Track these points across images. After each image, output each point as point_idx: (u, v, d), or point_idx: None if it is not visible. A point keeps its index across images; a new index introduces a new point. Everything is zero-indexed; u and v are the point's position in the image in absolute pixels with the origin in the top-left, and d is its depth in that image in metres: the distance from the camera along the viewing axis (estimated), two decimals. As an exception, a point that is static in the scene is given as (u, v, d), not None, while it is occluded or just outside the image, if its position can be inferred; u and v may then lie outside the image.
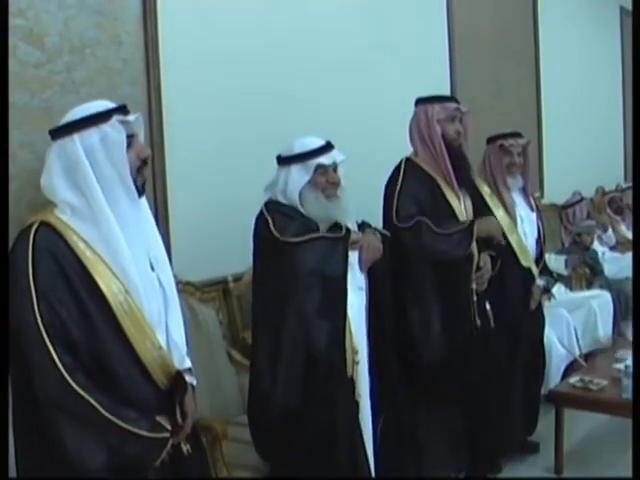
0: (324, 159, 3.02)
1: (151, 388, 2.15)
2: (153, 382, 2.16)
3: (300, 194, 3.00)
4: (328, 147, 3.05)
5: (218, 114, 3.89)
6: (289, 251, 2.88)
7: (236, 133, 3.96)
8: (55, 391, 1.98)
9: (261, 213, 3.03)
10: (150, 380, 2.15)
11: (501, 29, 6.56)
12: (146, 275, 2.17)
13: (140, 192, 2.19)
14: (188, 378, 2.26)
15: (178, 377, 2.21)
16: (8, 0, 2.83)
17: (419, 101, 3.76)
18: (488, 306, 3.77)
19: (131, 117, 2.17)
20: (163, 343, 2.20)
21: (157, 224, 2.83)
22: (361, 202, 3.53)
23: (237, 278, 3.74)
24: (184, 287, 3.64)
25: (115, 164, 2.10)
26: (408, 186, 3.63)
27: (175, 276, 2.38)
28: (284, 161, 3.05)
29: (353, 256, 3.03)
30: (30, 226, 2.12)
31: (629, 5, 9.00)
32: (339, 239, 2.95)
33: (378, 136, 4.80)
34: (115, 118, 2.12)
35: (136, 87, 3.51)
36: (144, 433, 2.05)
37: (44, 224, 2.10)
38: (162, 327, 2.21)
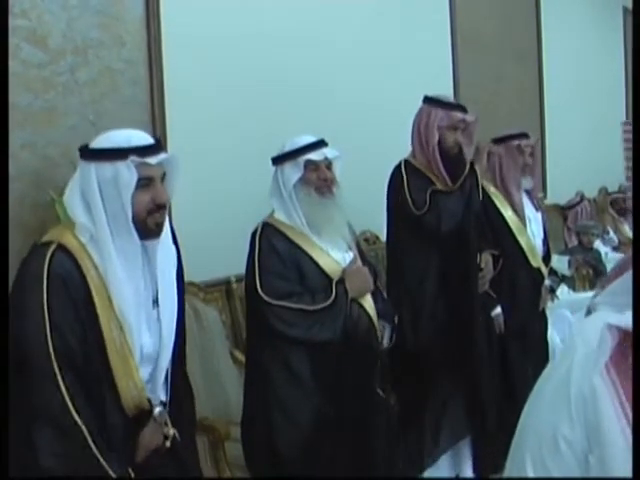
0: (314, 155, 3.00)
1: (122, 416, 2.15)
2: (124, 412, 2.16)
3: (294, 192, 2.99)
4: (319, 144, 3.03)
5: (221, 115, 3.89)
6: (270, 315, 2.88)
7: (239, 133, 3.97)
8: (53, 410, 2.00)
9: (253, 239, 3.01)
10: (122, 410, 2.15)
11: (504, 28, 6.56)
12: (145, 311, 2.17)
13: (151, 234, 2.17)
14: (156, 410, 2.22)
15: (144, 409, 2.20)
16: (8, 1, 2.83)
17: (426, 100, 3.73)
18: (499, 309, 3.80)
19: (152, 160, 2.12)
20: (147, 375, 2.21)
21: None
22: (361, 201, 3.55)
23: (240, 279, 3.73)
24: (187, 288, 3.63)
25: (121, 201, 2.09)
26: (409, 191, 3.61)
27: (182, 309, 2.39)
28: (277, 160, 3.05)
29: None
30: (47, 245, 2.11)
31: (626, 3, 9.01)
32: (326, 309, 2.91)
33: (380, 135, 4.80)
34: (131, 159, 2.09)
35: (139, 88, 3.51)
36: (110, 473, 2.04)
37: (61, 247, 2.09)
38: (151, 360, 2.22)
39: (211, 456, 3.05)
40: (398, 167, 3.70)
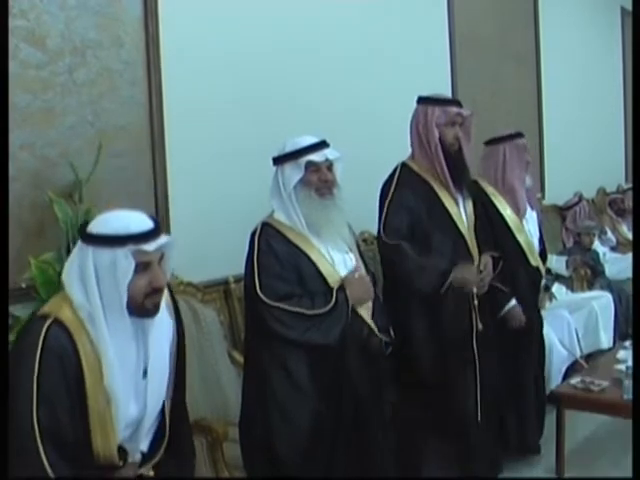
0: (315, 156, 2.99)
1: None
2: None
3: (294, 193, 2.99)
4: (320, 144, 3.03)
5: (219, 115, 3.89)
6: (268, 316, 2.89)
7: (237, 134, 3.97)
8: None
9: (252, 239, 3.01)
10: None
11: (502, 29, 6.56)
12: (133, 382, 2.22)
13: (147, 314, 2.21)
14: (132, 458, 2.28)
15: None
16: (8, 1, 2.85)
17: (420, 100, 3.71)
18: (513, 301, 3.80)
19: (150, 247, 2.15)
20: (129, 433, 2.26)
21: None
22: (361, 203, 3.54)
23: (238, 279, 3.74)
24: (185, 288, 3.64)
25: (118, 287, 2.13)
26: (400, 196, 3.59)
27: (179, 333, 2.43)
28: (277, 161, 3.04)
29: (352, 260, 3.06)
30: (45, 318, 2.14)
31: (631, 6, 9.01)
32: (324, 314, 2.91)
33: (378, 136, 4.80)
34: (129, 248, 2.12)
35: (137, 88, 3.51)
36: None
37: (58, 321, 2.12)
38: (135, 424, 2.26)
39: (209, 457, 3.05)
40: (393, 173, 3.69)
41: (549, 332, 4.63)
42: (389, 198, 3.60)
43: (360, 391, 2.96)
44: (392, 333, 3.16)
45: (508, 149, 4.14)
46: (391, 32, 5.10)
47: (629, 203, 7.66)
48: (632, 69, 2.00)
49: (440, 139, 3.61)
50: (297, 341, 2.86)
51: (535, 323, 4.14)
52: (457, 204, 3.67)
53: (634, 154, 1.62)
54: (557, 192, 7.04)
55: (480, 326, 3.62)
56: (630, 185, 8.60)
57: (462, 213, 3.69)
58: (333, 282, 2.97)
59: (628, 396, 3.78)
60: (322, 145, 3.03)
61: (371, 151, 4.64)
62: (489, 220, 3.96)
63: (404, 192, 3.60)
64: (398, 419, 3.19)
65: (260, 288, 2.87)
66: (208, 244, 3.77)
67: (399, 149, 3.78)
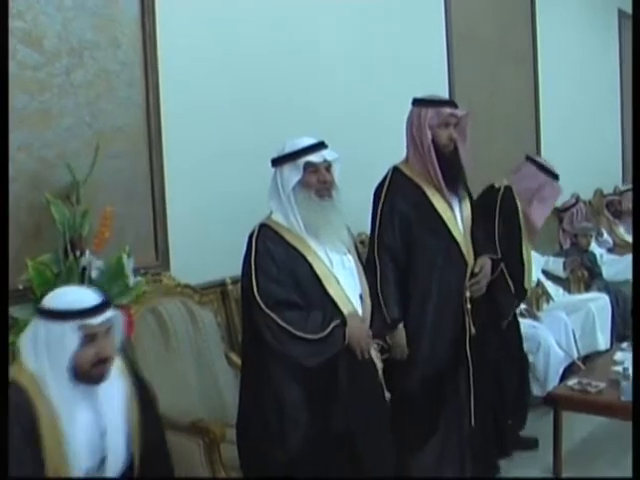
0: (313, 157, 2.98)
1: None
2: None
3: (292, 194, 2.98)
4: (318, 145, 3.01)
5: (216, 116, 3.89)
6: (261, 321, 2.88)
7: (234, 135, 3.97)
8: None
9: (250, 241, 3.01)
10: None
11: (500, 30, 6.56)
12: (88, 442, 2.35)
13: (94, 381, 2.34)
14: None
15: None
16: (8, 2, 2.85)
17: (415, 102, 3.70)
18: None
19: (96, 320, 2.31)
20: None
21: (154, 227, 2.87)
22: (359, 205, 3.54)
23: (235, 280, 3.74)
24: (183, 290, 3.64)
25: (65, 357, 2.30)
26: (392, 203, 3.59)
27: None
28: (276, 162, 3.04)
29: (350, 262, 3.05)
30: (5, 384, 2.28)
31: (628, 8, 9.02)
32: (314, 341, 2.89)
33: (376, 138, 4.80)
34: (75, 322, 2.28)
35: (134, 89, 3.51)
36: None
37: (15, 384, 2.28)
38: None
39: (206, 458, 3.05)
40: (384, 179, 3.68)
41: (546, 334, 4.64)
42: (380, 207, 3.60)
43: (355, 397, 2.96)
44: (387, 339, 3.17)
45: (547, 186, 4.24)
46: (389, 33, 5.10)
47: (627, 205, 7.67)
48: (632, 69, 2.02)
49: (433, 140, 3.58)
50: (284, 354, 2.86)
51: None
52: (451, 208, 3.64)
53: (634, 155, 1.64)
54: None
55: (473, 330, 3.62)
56: (627, 186, 8.60)
57: (456, 217, 3.65)
58: (328, 284, 2.96)
59: (625, 397, 3.78)
60: (320, 146, 3.02)
61: (369, 152, 4.64)
62: (511, 230, 4.04)
63: (395, 199, 3.59)
64: (392, 421, 3.20)
65: (257, 291, 2.87)
66: (205, 245, 3.76)
67: (397, 151, 3.78)
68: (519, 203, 4.16)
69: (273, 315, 2.83)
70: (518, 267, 4.07)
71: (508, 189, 4.18)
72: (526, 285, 4.13)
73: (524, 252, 4.10)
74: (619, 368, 4.03)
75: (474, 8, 6.17)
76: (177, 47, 3.67)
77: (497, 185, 4.25)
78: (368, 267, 3.38)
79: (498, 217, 4.10)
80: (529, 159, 4.35)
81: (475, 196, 3.95)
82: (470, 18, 6.09)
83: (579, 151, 7.83)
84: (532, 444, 4.28)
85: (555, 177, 4.27)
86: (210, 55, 3.86)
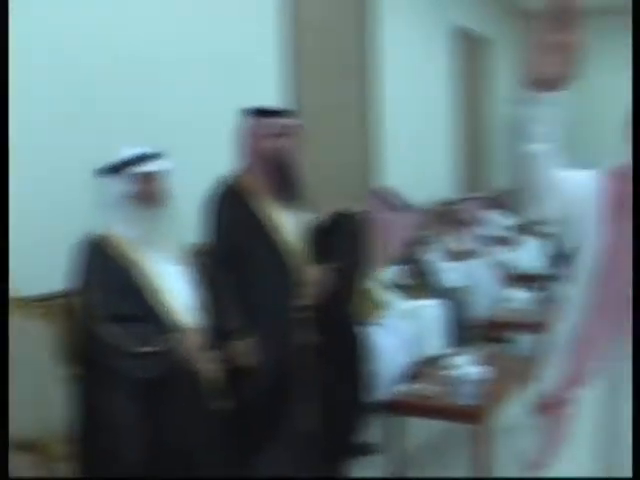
0: (143, 167, 2.93)
1: None
2: None
3: (122, 205, 2.91)
4: (149, 155, 2.96)
5: (52, 128, 3.75)
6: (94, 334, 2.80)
7: (72, 147, 3.82)
8: None
9: (81, 252, 2.91)
10: None
11: (341, 44, 6.66)
12: None
13: None
14: None
15: None
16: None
17: (246, 112, 3.69)
18: None
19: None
20: None
21: None
22: (194, 214, 3.50)
23: (67, 293, 3.60)
24: (12, 301, 3.48)
25: None
26: (221, 214, 3.58)
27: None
28: (105, 171, 2.96)
29: (183, 273, 3.02)
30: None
31: (461, 22, 9.40)
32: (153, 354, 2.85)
33: (212, 147, 4.73)
34: None
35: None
36: None
37: None
38: None
39: (40, 474, 2.94)
40: (215, 191, 3.65)
41: (383, 340, 4.73)
42: (213, 217, 3.57)
43: (187, 408, 2.92)
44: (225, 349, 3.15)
45: (395, 217, 4.28)
46: (227, 43, 5.06)
47: (463, 214, 7.96)
48: (632, 70, 2.10)
49: (264, 151, 3.59)
50: (115, 368, 2.79)
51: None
52: (284, 217, 3.65)
53: (634, 154, 1.72)
54: (392, 203, 7.20)
55: (311, 337, 3.65)
56: (464, 196, 8.93)
57: (290, 226, 3.67)
58: (160, 296, 2.91)
59: (461, 401, 3.91)
60: (151, 156, 2.96)
61: (204, 162, 4.57)
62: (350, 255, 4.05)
63: (228, 209, 3.58)
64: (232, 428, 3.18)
65: (89, 304, 2.78)
66: (35, 256, 3.61)
67: (229, 160, 3.76)
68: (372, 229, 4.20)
69: (104, 329, 2.75)
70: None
71: (353, 216, 4.19)
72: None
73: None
74: (454, 372, 4.15)
75: (318, 22, 6.23)
76: (25, 46, 3.52)
77: (345, 210, 4.30)
78: (203, 278, 3.35)
79: (340, 241, 4.13)
80: (373, 192, 4.41)
81: (319, 210, 3.98)
82: (310, 30, 6.14)
83: (416, 161, 8.06)
84: (372, 449, 4.35)
85: (404, 206, 4.33)
86: (38, 63, 3.71)
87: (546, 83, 1.80)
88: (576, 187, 1.92)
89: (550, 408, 1.91)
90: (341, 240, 3.88)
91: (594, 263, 1.88)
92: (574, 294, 1.92)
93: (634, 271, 1.55)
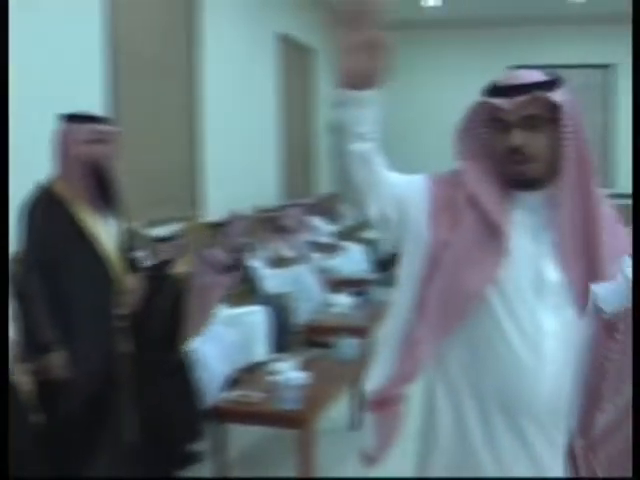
0: None
1: None
2: None
3: None
4: None
5: None
6: None
7: None
8: None
9: None
10: None
11: (163, 47, 6.56)
12: None
13: None
14: None
15: None
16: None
17: (62, 118, 3.58)
18: None
19: None
20: None
21: None
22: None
23: None
24: None
25: None
26: (37, 223, 3.43)
27: None
28: None
29: None
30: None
31: (286, 29, 9.49)
32: None
33: (23, 152, 4.50)
34: None
35: None
36: None
37: None
38: None
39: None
40: (30, 199, 3.49)
41: (206, 348, 4.66)
42: (27, 225, 3.43)
43: None
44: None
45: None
46: (43, 45, 4.86)
47: (286, 220, 8.02)
48: (632, 71, 2.10)
49: (80, 157, 3.50)
50: None
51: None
52: (101, 224, 3.58)
53: (634, 156, 1.71)
54: (215, 209, 7.15)
55: (129, 347, 3.55)
56: (286, 202, 9.01)
57: (107, 233, 3.59)
58: None
59: (284, 406, 3.91)
60: None
61: (23, 168, 4.34)
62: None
63: (42, 217, 3.45)
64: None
65: None
66: None
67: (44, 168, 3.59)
68: None
69: None
70: None
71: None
72: None
73: None
74: (277, 378, 4.15)
75: (136, 25, 6.10)
76: None
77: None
78: (18, 289, 3.24)
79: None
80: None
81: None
82: (134, 33, 6.01)
83: (239, 167, 8.05)
84: (199, 457, 4.29)
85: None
86: None
87: (357, 81, 1.82)
88: (401, 189, 1.94)
89: (381, 406, 1.92)
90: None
91: (418, 265, 1.90)
92: (399, 295, 1.94)
93: (634, 272, 1.57)
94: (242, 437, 4.54)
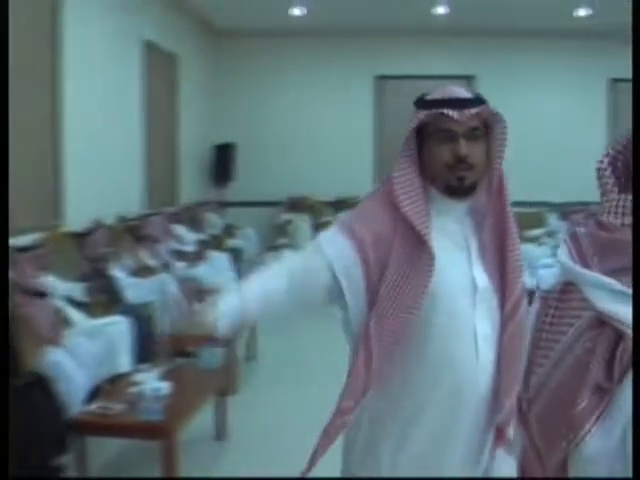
0: None
1: None
2: None
3: None
4: None
5: None
6: None
7: None
8: None
9: None
10: None
11: (21, 48, 6.39)
12: None
13: None
14: None
15: None
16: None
17: None
18: None
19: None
20: None
21: None
22: None
23: None
24: None
25: None
26: None
27: None
28: None
29: None
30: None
31: (150, 36, 9.41)
32: None
33: None
34: None
35: None
36: None
37: None
38: None
39: None
40: None
41: (67, 360, 4.59)
42: None
43: None
44: None
45: None
46: None
47: (149, 229, 7.96)
48: (632, 71, 2.13)
49: None
50: None
51: None
52: None
53: (634, 159, 1.79)
54: (77, 218, 7.01)
55: None
56: (150, 211, 8.93)
57: None
58: None
59: (146, 417, 3.90)
60: None
61: None
62: None
63: None
64: None
65: None
66: None
67: None
68: None
69: None
70: None
71: None
72: None
73: None
74: (140, 389, 4.14)
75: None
76: None
77: None
78: None
79: None
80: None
81: None
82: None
83: (103, 175, 7.91)
84: (62, 470, 4.21)
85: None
86: None
87: None
88: (323, 264, 2.01)
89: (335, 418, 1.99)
90: None
91: (362, 310, 2.00)
92: (350, 321, 2.02)
93: (634, 273, 1.72)
94: (106, 449, 4.49)
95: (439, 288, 1.96)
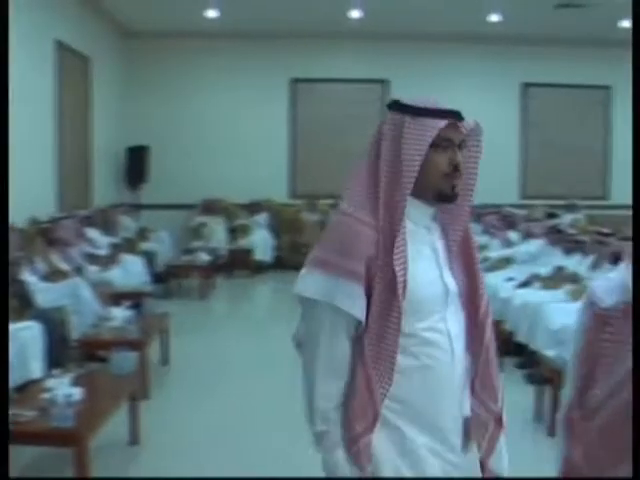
0: None
1: None
2: None
3: None
4: None
5: None
6: None
7: None
8: None
9: None
10: None
11: None
12: None
13: None
14: None
15: None
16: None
17: None
18: None
19: None
20: None
21: None
22: None
23: None
24: None
25: None
26: None
27: None
28: None
29: None
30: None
31: (63, 37, 9.29)
32: None
33: None
34: None
35: None
36: None
37: None
38: None
39: None
40: None
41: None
42: None
43: None
44: None
45: None
46: None
47: (61, 233, 7.87)
48: (632, 71, 2.16)
49: None
50: None
51: None
52: None
53: (634, 159, 1.81)
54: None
55: None
56: (62, 214, 8.82)
57: None
58: None
59: (57, 423, 3.88)
60: None
61: None
62: None
63: None
64: None
65: None
66: None
67: None
68: None
69: None
70: None
71: None
72: None
73: None
74: (50, 395, 4.10)
75: None
76: None
77: None
78: None
79: None
80: None
81: None
82: None
83: (14, 177, 7.76)
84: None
85: None
86: None
87: None
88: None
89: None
90: None
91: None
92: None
93: (634, 273, 1.80)
94: (19, 456, 4.42)
95: (418, 295, 2.07)
